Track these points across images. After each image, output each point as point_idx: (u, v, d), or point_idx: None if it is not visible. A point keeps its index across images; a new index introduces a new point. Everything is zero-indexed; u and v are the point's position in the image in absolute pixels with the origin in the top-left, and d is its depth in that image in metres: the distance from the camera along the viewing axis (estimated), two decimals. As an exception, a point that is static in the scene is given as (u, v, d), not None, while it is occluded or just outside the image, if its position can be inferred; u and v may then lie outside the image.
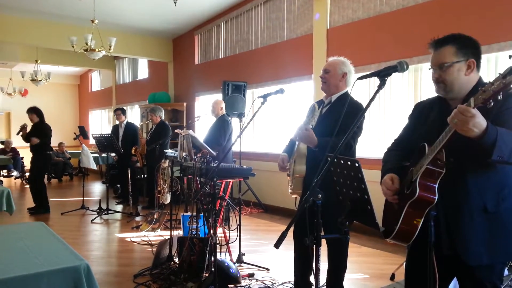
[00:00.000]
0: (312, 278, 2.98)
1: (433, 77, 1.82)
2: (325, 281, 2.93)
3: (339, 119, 2.68)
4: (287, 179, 2.97)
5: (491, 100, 1.42)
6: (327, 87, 2.90)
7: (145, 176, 7.14)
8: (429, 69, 1.85)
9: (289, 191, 2.91)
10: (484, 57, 4.16)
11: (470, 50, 1.77)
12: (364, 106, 1.84)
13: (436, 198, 1.67)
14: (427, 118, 1.92)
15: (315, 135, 2.64)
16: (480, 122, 1.48)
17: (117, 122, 7.55)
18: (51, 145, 6.97)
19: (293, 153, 2.91)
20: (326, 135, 2.62)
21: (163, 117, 6.96)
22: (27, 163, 8.69)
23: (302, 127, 2.72)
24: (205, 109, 8.37)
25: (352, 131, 1.80)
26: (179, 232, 4.26)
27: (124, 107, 8.30)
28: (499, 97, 1.40)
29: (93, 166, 7.07)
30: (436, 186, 1.68)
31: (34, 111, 6.73)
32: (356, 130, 2.73)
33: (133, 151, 6.81)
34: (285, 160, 3.00)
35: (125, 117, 7.45)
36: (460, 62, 1.75)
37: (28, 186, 6.77)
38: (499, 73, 1.40)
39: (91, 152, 7.50)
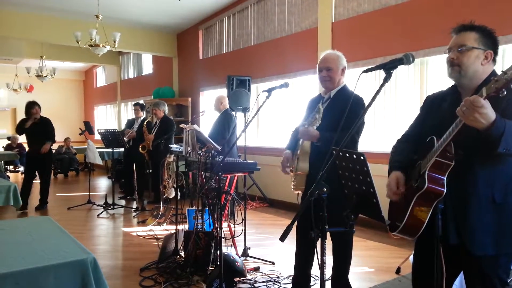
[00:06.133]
0: (312, 271, 3.00)
1: (449, 59, 1.81)
2: (330, 274, 2.93)
3: (342, 114, 2.68)
4: (290, 175, 2.96)
5: (503, 89, 1.41)
6: (331, 84, 2.87)
7: (150, 171, 7.14)
8: (444, 52, 1.83)
9: (292, 187, 2.91)
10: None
11: (491, 41, 1.79)
12: (368, 99, 1.83)
13: (445, 190, 1.67)
14: (438, 110, 1.91)
15: (315, 130, 2.64)
16: (488, 113, 1.48)
17: (134, 116, 7.73)
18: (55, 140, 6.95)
19: (297, 150, 2.90)
20: (329, 130, 2.62)
21: (166, 112, 6.98)
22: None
23: (300, 125, 2.74)
24: (209, 104, 8.36)
25: (356, 126, 1.80)
26: (184, 226, 4.29)
27: (143, 103, 8.47)
28: None
29: (99, 161, 7.09)
30: (445, 178, 1.67)
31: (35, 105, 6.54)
32: (359, 125, 2.73)
33: (140, 149, 6.74)
34: (289, 159, 2.97)
35: (143, 113, 7.66)
36: (479, 49, 1.76)
37: (37, 181, 6.78)
38: None
39: (97, 148, 7.53)
